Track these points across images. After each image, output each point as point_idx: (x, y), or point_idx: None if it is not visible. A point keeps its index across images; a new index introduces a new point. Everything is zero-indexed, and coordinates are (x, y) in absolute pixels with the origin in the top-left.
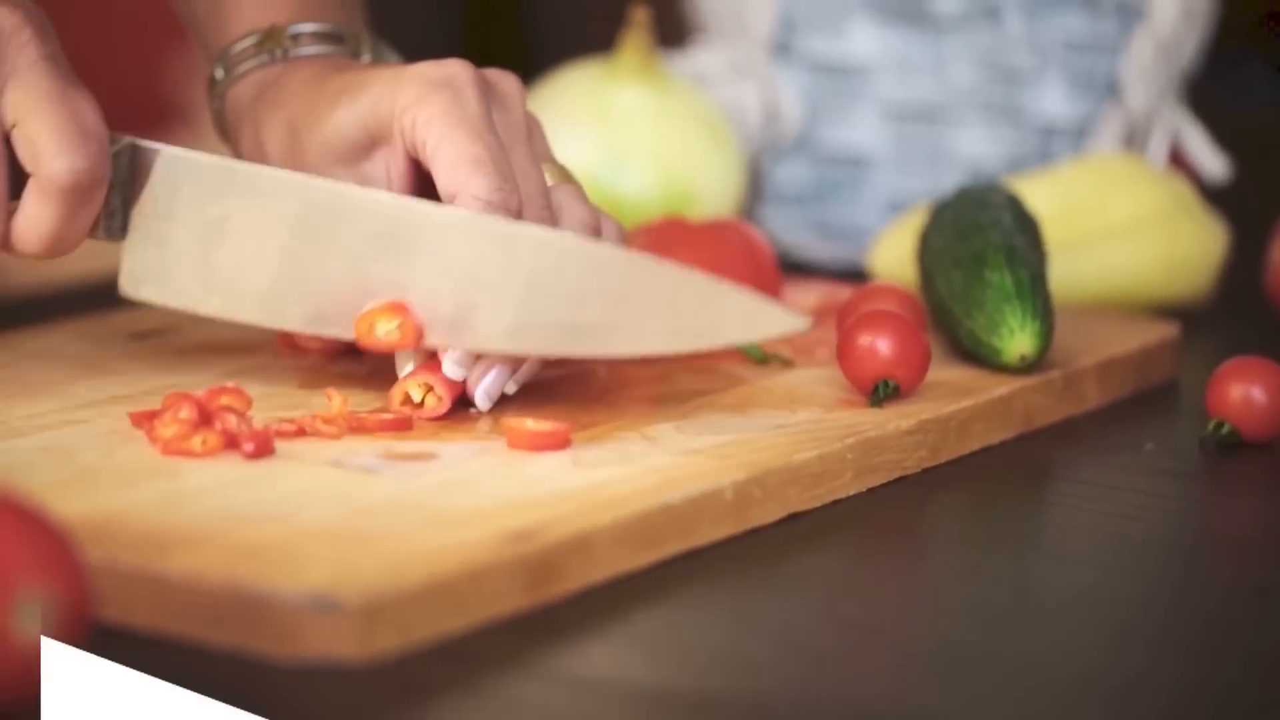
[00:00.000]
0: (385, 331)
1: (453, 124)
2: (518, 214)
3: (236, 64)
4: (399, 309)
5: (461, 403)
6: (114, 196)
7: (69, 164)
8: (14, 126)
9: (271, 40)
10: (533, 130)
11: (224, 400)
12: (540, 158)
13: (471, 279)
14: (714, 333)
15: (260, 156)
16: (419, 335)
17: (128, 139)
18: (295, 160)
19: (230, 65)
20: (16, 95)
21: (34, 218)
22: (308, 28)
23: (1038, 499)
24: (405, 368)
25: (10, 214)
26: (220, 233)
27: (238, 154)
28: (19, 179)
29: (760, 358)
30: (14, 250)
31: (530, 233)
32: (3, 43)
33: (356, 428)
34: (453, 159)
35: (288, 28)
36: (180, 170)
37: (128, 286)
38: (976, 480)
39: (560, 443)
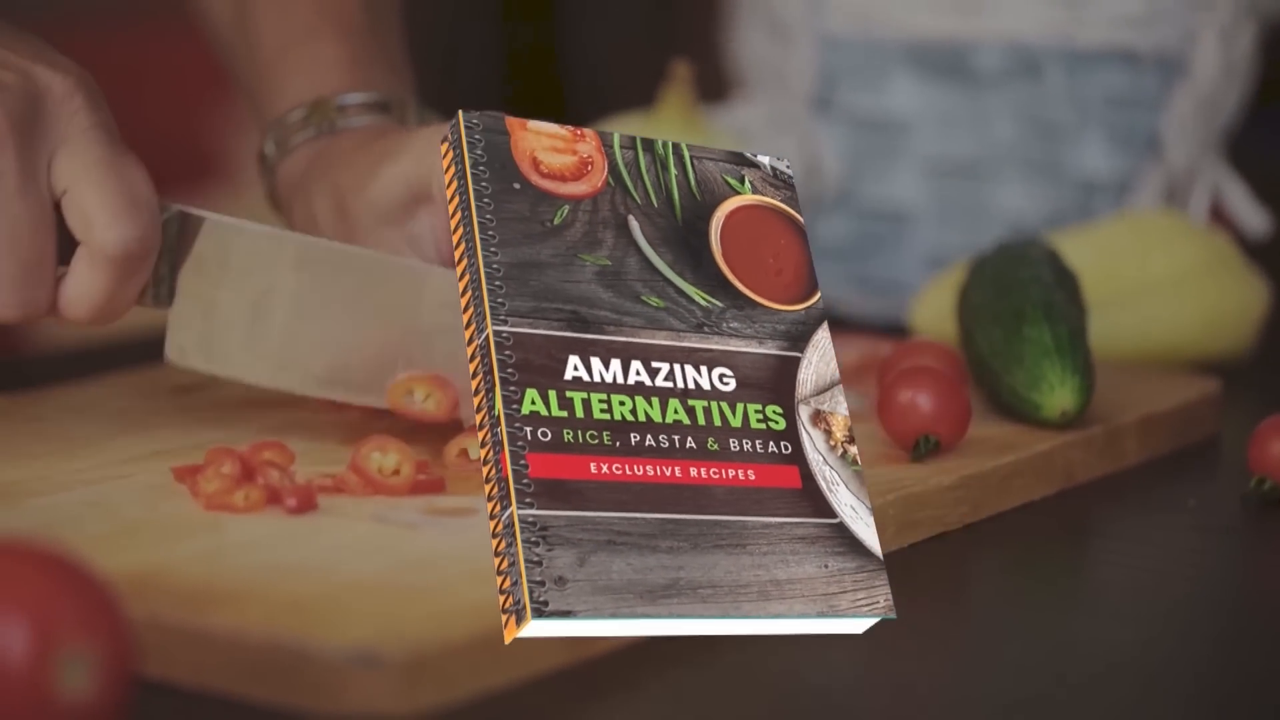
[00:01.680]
0: (421, 399)
1: None
2: None
3: (286, 138)
4: (437, 381)
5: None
6: (161, 264)
7: (120, 234)
8: (64, 194)
9: (319, 113)
10: None
11: (266, 455)
12: None
13: None
14: None
15: (311, 226)
16: (454, 406)
17: (176, 207)
18: (344, 225)
19: (280, 140)
20: (68, 162)
21: (83, 285)
22: (354, 98)
23: (1079, 555)
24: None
25: (58, 281)
26: (267, 302)
27: (291, 225)
28: (66, 245)
29: None
30: (61, 317)
31: None
32: (55, 108)
33: (388, 489)
34: None
35: (335, 99)
36: (227, 238)
37: (174, 354)
38: (1018, 536)
39: None
